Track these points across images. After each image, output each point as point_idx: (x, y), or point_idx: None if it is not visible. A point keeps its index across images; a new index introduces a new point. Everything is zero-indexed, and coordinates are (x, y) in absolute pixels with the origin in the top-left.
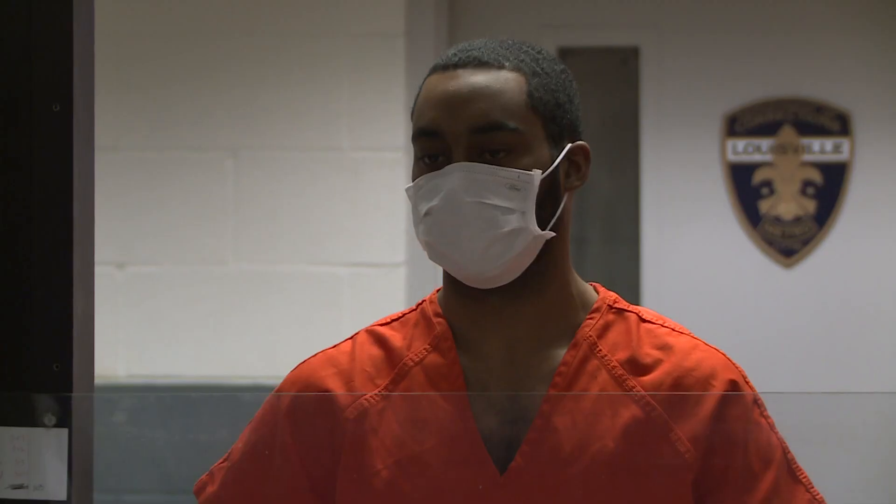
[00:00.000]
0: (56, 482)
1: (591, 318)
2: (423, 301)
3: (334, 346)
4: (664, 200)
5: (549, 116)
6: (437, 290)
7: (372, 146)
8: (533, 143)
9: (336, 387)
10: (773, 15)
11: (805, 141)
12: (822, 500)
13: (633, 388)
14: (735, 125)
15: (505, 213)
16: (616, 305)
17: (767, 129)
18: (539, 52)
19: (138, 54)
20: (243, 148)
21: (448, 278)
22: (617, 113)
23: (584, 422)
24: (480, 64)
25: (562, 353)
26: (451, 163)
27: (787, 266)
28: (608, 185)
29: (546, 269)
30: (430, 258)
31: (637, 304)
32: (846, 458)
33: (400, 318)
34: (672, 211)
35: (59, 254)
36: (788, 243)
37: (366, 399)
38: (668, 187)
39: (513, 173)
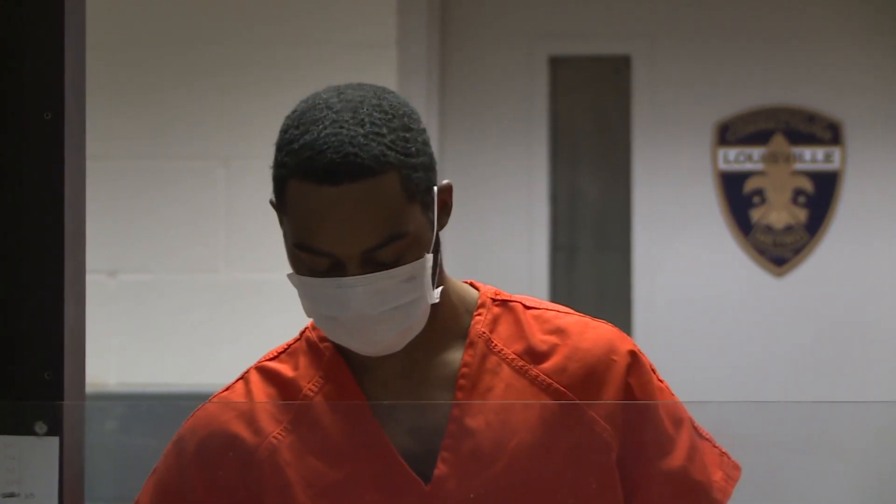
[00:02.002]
0: (47, 491)
1: (478, 315)
2: (305, 329)
3: (226, 389)
4: (655, 209)
5: (422, 192)
6: None
7: None
8: (418, 230)
9: (241, 430)
10: (766, 24)
11: (796, 150)
12: (728, 454)
13: (537, 377)
14: (726, 134)
15: (408, 306)
16: (498, 297)
17: (759, 138)
18: (392, 112)
19: (130, 63)
20: (235, 156)
21: None
22: (608, 121)
23: (497, 420)
24: (356, 176)
25: (459, 356)
26: (342, 272)
27: (779, 275)
28: (599, 193)
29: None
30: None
31: (628, 313)
32: (838, 467)
33: (286, 350)
34: (663, 219)
35: (51, 262)
36: (779, 252)
37: (274, 436)
38: (660, 196)
39: (408, 268)
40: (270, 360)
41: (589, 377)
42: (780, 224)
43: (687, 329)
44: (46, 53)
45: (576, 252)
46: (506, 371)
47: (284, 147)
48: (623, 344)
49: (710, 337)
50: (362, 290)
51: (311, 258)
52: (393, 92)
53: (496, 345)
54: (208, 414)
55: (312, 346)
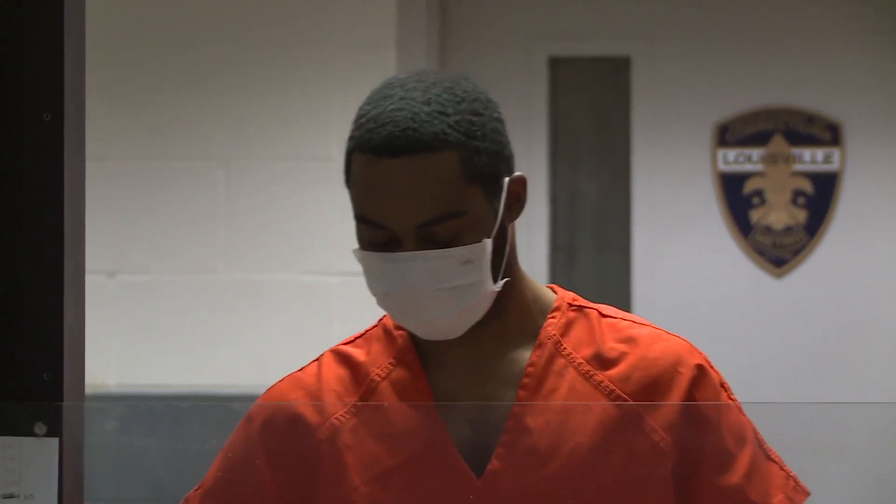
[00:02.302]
0: (47, 491)
1: (552, 318)
2: (385, 315)
3: (300, 370)
4: (655, 210)
5: (486, 177)
6: None
7: None
8: (477, 213)
9: (305, 409)
10: (765, 25)
11: (796, 151)
12: (796, 477)
13: (602, 382)
14: (726, 135)
15: (464, 289)
16: (575, 303)
17: (758, 139)
18: (463, 96)
19: (129, 63)
20: (234, 157)
21: None
22: (608, 122)
23: (557, 421)
24: (412, 150)
25: (527, 355)
26: (400, 247)
27: (778, 276)
28: (599, 194)
29: (502, 295)
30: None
31: (628, 314)
32: (837, 468)
33: (363, 335)
34: (663, 220)
35: (50, 262)
36: (779, 253)
37: (336, 418)
38: (660, 197)
39: (464, 250)
40: (346, 343)
41: (653, 387)
42: (780, 225)
43: (686, 330)
44: (46, 54)
45: (575, 252)
46: (571, 374)
47: (355, 122)
48: (691, 357)
49: (709, 338)
50: (416, 265)
51: (370, 231)
52: (473, 81)
53: (565, 348)
54: (278, 391)
55: (387, 333)
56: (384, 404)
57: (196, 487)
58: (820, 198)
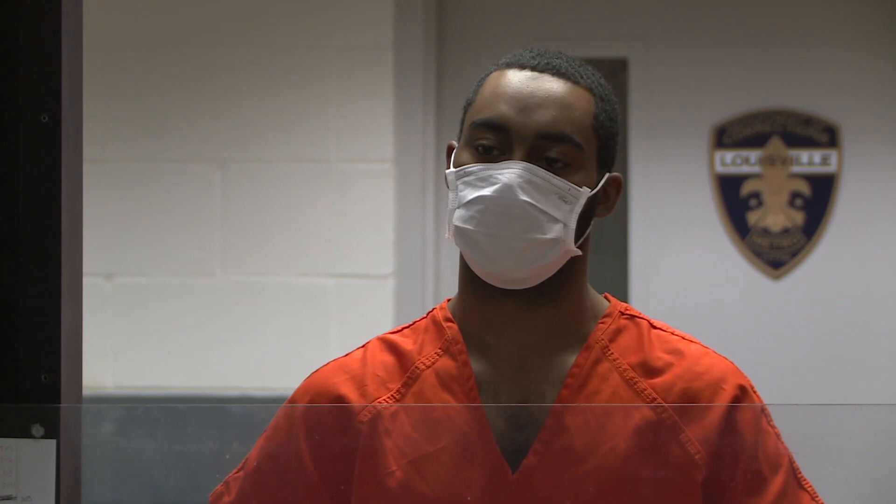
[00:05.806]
0: (44, 493)
1: (602, 323)
2: (434, 309)
3: (346, 355)
4: (652, 212)
5: (605, 142)
6: (448, 300)
7: (359, 158)
8: (587, 162)
9: (349, 392)
10: (763, 27)
11: (793, 153)
12: None
13: (644, 390)
14: (723, 137)
15: (550, 220)
16: (627, 312)
17: (756, 141)
18: (603, 80)
19: (126, 65)
20: (231, 159)
21: (466, 281)
22: None
23: (596, 422)
24: (558, 73)
25: (573, 358)
26: (508, 159)
27: (775, 278)
28: None
29: (565, 281)
30: (459, 244)
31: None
32: (835, 470)
33: (410, 326)
34: (660, 222)
35: (48, 265)
36: (776, 255)
37: (379, 402)
38: (657, 199)
39: (566, 185)
40: (394, 333)
41: (694, 400)
42: (777, 227)
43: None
44: (43, 56)
45: None
46: (615, 379)
47: (490, 68)
48: (735, 378)
49: (706, 340)
50: (518, 172)
51: (485, 135)
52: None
53: (612, 353)
54: (322, 374)
55: (437, 324)
56: (429, 397)
57: (236, 469)
58: (817, 200)
